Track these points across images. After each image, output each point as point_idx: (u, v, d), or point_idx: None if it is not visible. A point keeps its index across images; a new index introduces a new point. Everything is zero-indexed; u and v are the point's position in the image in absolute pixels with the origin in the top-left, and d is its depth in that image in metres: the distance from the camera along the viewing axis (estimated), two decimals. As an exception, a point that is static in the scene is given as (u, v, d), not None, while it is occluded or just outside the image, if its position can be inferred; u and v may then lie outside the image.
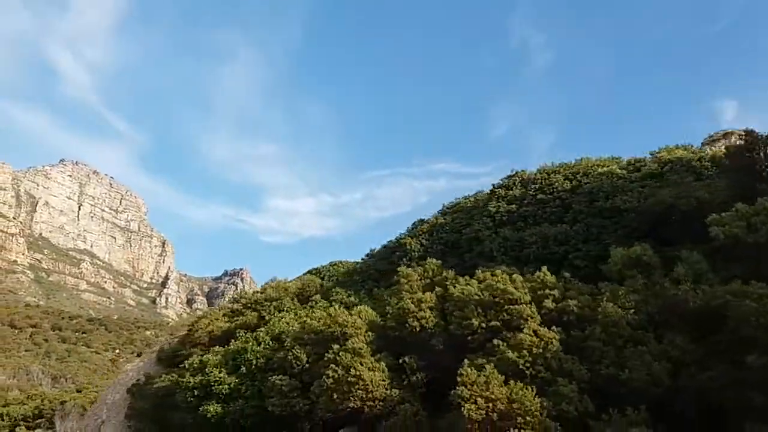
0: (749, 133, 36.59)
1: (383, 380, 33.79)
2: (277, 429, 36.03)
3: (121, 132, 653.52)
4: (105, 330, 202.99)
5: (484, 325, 33.33)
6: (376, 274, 50.07)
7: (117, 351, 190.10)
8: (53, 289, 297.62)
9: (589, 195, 40.79)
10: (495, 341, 31.85)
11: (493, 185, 48.15)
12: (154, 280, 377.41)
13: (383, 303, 40.38)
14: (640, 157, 44.19)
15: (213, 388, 37.95)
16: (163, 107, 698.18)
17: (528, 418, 27.53)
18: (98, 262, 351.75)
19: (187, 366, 41.58)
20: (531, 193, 44.09)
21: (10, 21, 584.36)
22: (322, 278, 56.46)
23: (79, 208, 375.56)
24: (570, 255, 37.53)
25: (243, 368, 38.56)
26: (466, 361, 31.73)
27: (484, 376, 29.07)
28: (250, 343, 39.76)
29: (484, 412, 28.09)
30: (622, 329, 30.29)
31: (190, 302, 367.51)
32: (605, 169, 42.41)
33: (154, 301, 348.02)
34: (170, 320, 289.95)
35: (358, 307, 38.27)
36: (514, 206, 43.86)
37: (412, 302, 35.86)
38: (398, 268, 40.25)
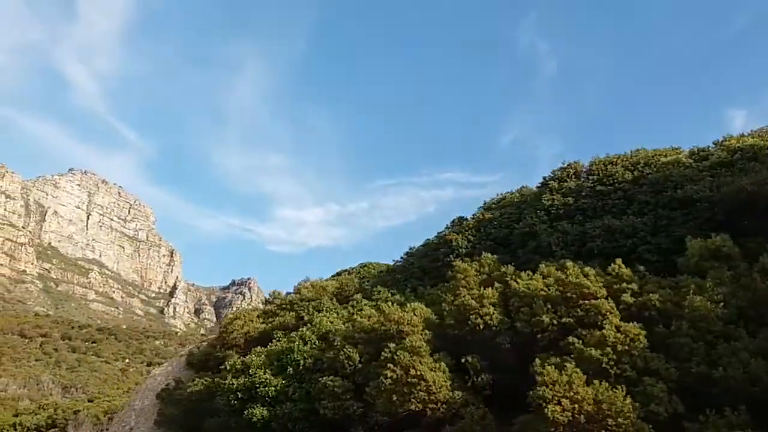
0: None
1: (445, 381, 31.45)
2: (328, 434, 33.72)
3: (129, 141, 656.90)
4: (115, 339, 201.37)
5: (555, 321, 31.00)
6: (419, 272, 47.88)
7: (127, 360, 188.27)
8: (62, 298, 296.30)
9: (655, 185, 38.63)
10: (570, 338, 29.56)
11: (544, 178, 46.09)
12: (162, 290, 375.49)
13: (435, 300, 38.16)
14: (702, 146, 42.10)
15: (258, 390, 35.64)
16: (172, 117, 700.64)
17: (620, 419, 25.20)
18: (107, 272, 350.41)
19: (228, 367, 39.29)
20: (589, 184, 42.00)
21: (20, 32, 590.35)
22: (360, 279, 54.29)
23: (88, 218, 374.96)
24: (639, 248, 35.24)
25: (290, 369, 36.25)
26: (537, 360, 29.44)
27: (566, 375, 26.75)
28: (297, 343, 37.46)
29: (570, 414, 25.75)
30: (712, 324, 28.02)
31: (197, 312, 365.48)
32: (670, 158, 40.28)
33: (162, 311, 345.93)
34: (178, 330, 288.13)
35: (412, 304, 35.98)
36: (570, 199, 41.73)
37: (472, 298, 33.56)
38: (453, 263, 38.00)
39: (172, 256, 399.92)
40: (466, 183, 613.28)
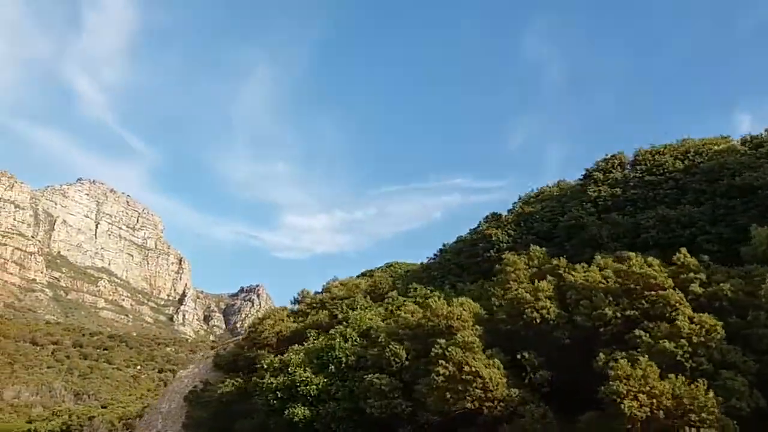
0: None
1: (501, 378, 29.76)
2: (374, 434, 32.01)
3: (137, 150, 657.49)
4: (126, 346, 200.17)
5: (618, 314, 29.30)
6: (456, 268, 46.24)
7: (138, 367, 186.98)
8: (71, 307, 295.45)
9: (709, 174, 36.99)
10: (636, 332, 27.87)
11: (587, 169, 44.46)
12: (171, 298, 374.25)
13: (481, 295, 36.52)
14: (755, 134, 40.41)
15: (299, 389, 33.97)
16: (179, 125, 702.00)
17: (703, 415, 23.49)
18: (116, 280, 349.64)
19: (265, 366, 37.62)
20: (637, 175, 40.35)
21: (28, 45, 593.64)
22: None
23: (97, 227, 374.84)
24: (698, 238, 33.54)
25: (331, 367, 34.61)
26: (601, 354, 27.78)
27: (640, 369, 25.06)
28: (338, 340, 35.79)
29: (648, 409, 24.04)
30: (792, 314, 26.29)
31: (207, 319, 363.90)
32: (723, 146, 38.59)
33: (171, 319, 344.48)
34: (188, 337, 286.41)
35: (459, 298, 34.33)
36: (618, 190, 40.09)
37: (526, 292, 31.89)
38: (498, 257, 36.33)
39: (180, 264, 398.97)
40: (473, 188, 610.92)
